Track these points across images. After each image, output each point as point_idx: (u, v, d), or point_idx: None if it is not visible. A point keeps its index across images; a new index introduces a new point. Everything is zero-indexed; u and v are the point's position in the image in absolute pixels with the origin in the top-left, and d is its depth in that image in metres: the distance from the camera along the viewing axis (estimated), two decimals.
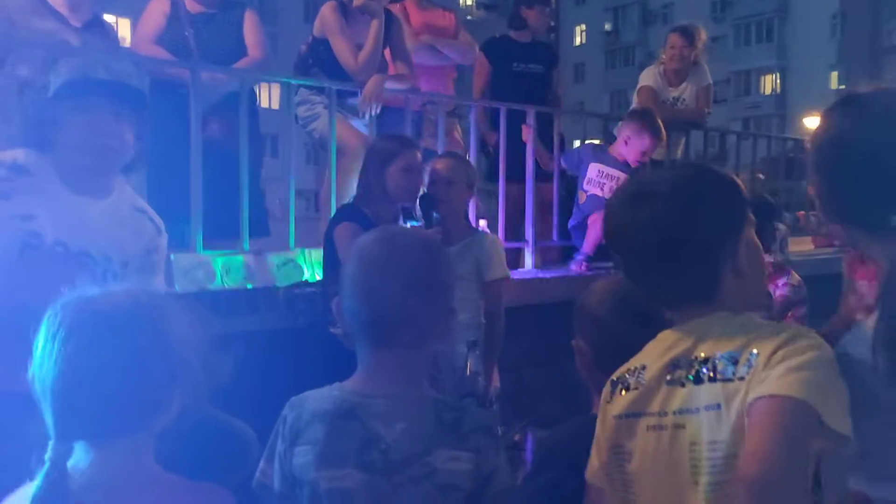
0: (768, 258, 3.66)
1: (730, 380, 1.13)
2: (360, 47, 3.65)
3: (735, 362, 1.14)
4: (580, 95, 42.17)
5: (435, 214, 3.09)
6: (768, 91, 42.04)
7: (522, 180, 4.35)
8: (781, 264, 3.72)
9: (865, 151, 1.17)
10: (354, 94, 3.66)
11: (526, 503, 1.75)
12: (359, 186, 3.09)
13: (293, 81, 3.56)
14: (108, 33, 3.41)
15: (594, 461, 1.31)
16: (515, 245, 4.42)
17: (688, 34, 4.97)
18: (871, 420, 1.08)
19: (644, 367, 1.26)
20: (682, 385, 1.18)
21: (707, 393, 1.15)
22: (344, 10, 3.71)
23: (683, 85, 5.00)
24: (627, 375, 1.28)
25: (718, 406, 1.13)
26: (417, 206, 3.10)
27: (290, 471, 1.33)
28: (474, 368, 2.55)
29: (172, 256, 3.04)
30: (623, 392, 1.26)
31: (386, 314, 1.32)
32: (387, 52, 3.83)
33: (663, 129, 4.15)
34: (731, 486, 1.08)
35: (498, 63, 4.78)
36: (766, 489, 0.99)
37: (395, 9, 4.07)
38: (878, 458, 1.08)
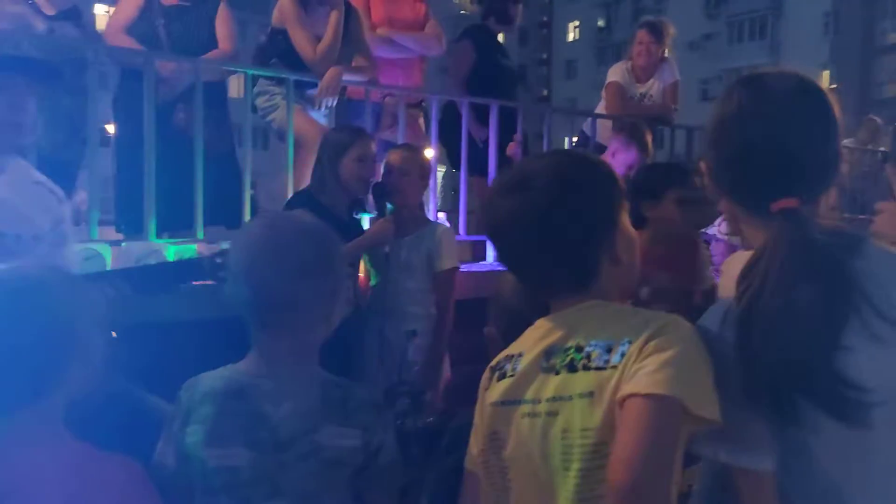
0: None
1: (602, 368, 1.15)
2: (319, 38, 3.68)
3: (608, 350, 1.16)
4: (572, 92, 42.17)
5: (388, 205, 3.12)
6: None
7: (486, 174, 4.39)
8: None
9: (760, 131, 1.19)
10: (314, 85, 3.69)
11: (435, 483, 1.80)
12: (313, 176, 3.12)
13: (251, 72, 3.58)
14: (85, 25, 3.47)
15: (473, 449, 1.32)
16: (479, 238, 4.45)
17: (655, 30, 4.99)
18: (728, 392, 1.11)
19: (520, 355, 1.26)
20: (557, 373, 1.19)
21: (580, 381, 1.16)
22: (303, 0, 3.74)
23: (651, 81, 5.02)
24: (504, 363, 1.28)
25: (591, 394, 1.14)
26: (371, 196, 3.14)
27: (182, 449, 1.37)
28: (411, 357, 2.59)
29: (124, 244, 3.08)
30: (500, 379, 1.26)
31: (270, 299, 1.36)
32: None
33: (651, 144, 4.15)
34: (600, 473, 1.10)
35: (484, 54, 4.77)
36: (635, 495, 1.02)
37: (357, 0, 4.09)
38: (734, 429, 1.11)
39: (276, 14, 3.79)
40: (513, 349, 1.29)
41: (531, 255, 1.27)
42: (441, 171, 6.77)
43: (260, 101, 3.77)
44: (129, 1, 3.58)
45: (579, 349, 1.18)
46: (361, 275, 3.27)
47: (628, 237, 1.29)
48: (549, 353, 1.22)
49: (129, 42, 3.48)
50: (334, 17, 3.67)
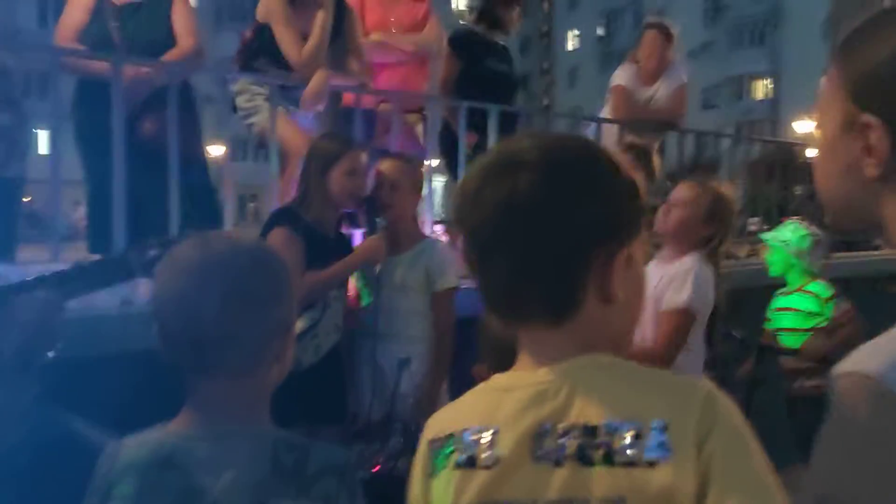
0: None
1: (633, 464, 0.84)
2: (306, 38, 3.41)
3: (637, 437, 0.84)
4: (574, 100, 42.08)
5: (379, 220, 2.86)
6: (761, 96, 42.03)
7: None
8: None
9: None
10: (300, 88, 3.42)
11: None
12: (297, 189, 2.86)
13: (229, 75, 3.32)
14: None
15: None
16: None
17: (665, 31, 4.76)
18: None
19: (495, 432, 0.91)
20: (558, 464, 0.87)
21: (602, 480, 0.85)
22: None
23: (657, 84, 4.77)
24: (469, 443, 0.92)
25: (622, 500, 0.84)
26: (362, 212, 2.88)
27: None
28: (404, 390, 2.33)
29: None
30: (464, 466, 0.92)
31: (203, 333, 1.10)
32: None
33: (657, 172, 3.90)
34: None
35: (472, 60, 4.51)
36: None
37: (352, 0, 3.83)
38: None
39: (261, 9, 3.49)
40: (472, 418, 0.94)
41: (502, 259, 0.92)
42: (443, 180, 6.53)
43: (240, 101, 3.48)
44: (76, 4, 3.27)
45: (590, 431, 0.86)
46: (351, 294, 3.01)
47: (636, 273, 0.96)
48: (540, 434, 0.89)
49: (78, 47, 3.20)
50: (320, 17, 3.40)
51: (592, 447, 0.85)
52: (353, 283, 3.02)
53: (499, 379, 0.97)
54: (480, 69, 4.48)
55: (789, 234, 3.62)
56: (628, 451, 0.84)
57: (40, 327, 1.67)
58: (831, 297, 3.57)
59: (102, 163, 2.98)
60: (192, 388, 1.15)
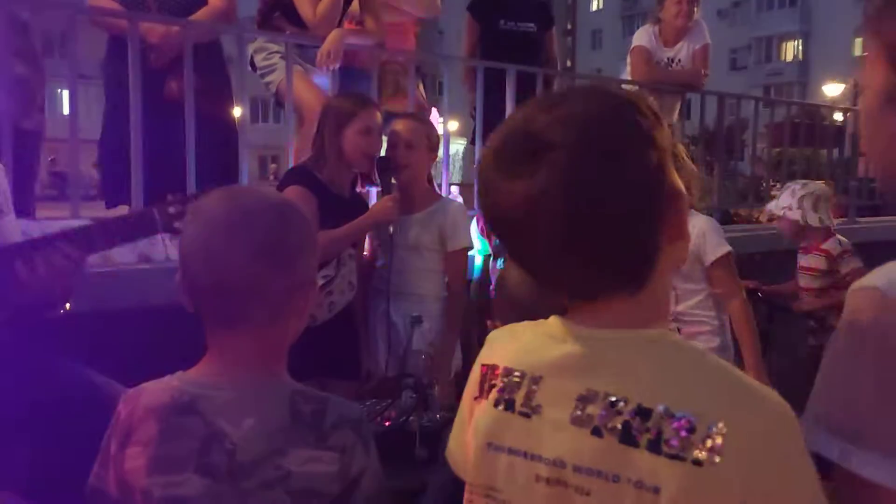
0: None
1: (680, 458, 0.79)
2: None
3: (691, 430, 0.79)
4: (597, 62, 41.49)
5: (393, 180, 2.88)
6: (790, 58, 41.16)
7: None
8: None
9: None
10: (317, 45, 3.41)
11: (441, 488, 1.58)
12: (312, 148, 2.87)
13: (246, 34, 3.31)
14: None
15: (458, 456, 0.98)
16: None
17: None
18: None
19: (537, 380, 0.88)
20: (597, 433, 0.83)
21: (641, 463, 0.81)
22: None
23: (680, 45, 4.69)
24: (511, 381, 0.90)
25: (656, 490, 0.80)
26: (375, 171, 2.89)
27: (123, 476, 1.14)
28: (416, 346, 2.36)
29: None
30: (504, 406, 0.89)
31: (229, 286, 1.11)
32: None
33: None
34: None
35: (485, 20, 4.50)
36: None
37: None
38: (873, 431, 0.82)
39: None
40: (522, 358, 0.91)
41: (557, 253, 0.85)
42: (462, 144, 6.49)
43: (258, 59, 3.48)
44: None
45: (641, 411, 0.82)
46: (366, 253, 3.04)
47: (683, 196, 0.88)
48: (586, 397, 0.85)
49: (112, 5, 3.22)
50: None
51: (641, 429, 0.81)
52: (367, 242, 3.05)
53: (554, 324, 0.92)
54: (498, 29, 4.45)
55: (790, 198, 3.60)
56: (678, 444, 0.80)
57: (60, 281, 1.70)
58: (841, 255, 3.55)
59: (124, 119, 3.00)
60: (213, 338, 1.17)
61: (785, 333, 3.73)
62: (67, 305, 1.77)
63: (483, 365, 0.95)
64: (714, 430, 0.79)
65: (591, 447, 0.83)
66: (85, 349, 1.88)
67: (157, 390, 1.16)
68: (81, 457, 1.23)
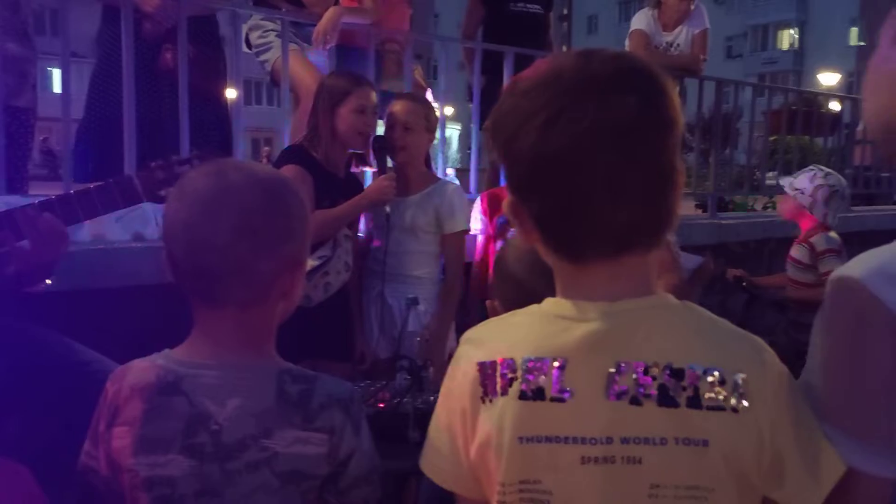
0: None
1: (720, 408, 0.84)
2: None
3: (722, 382, 0.85)
4: (593, 46, 41.32)
5: (389, 160, 2.85)
6: (786, 46, 41.14)
7: None
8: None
9: None
10: (313, 24, 3.37)
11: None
12: (307, 127, 2.84)
13: (240, 10, 3.26)
14: None
15: (449, 467, 0.96)
16: None
17: None
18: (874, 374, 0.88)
19: (563, 364, 0.87)
20: (635, 402, 0.85)
21: (684, 421, 0.84)
22: None
23: (678, 29, 4.66)
24: (530, 370, 0.88)
25: (705, 443, 0.84)
26: (371, 151, 2.86)
27: (110, 454, 1.12)
28: (411, 328, 2.35)
29: None
30: (530, 397, 0.87)
31: (212, 264, 1.08)
32: None
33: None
34: None
35: (492, 2, 4.44)
36: None
37: None
38: (863, 422, 0.88)
39: None
40: (534, 346, 0.89)
41: (598, 193, 0.84)
42: (457, 128, 6.45)
43: (253, 37, 3.44)
44: None
45: (674, 372, 0.85)
46: (361, 235, 3.02)
47: (681, 188, 0.90)
48: (617, 371, 0.86)
49: None
50: None
51: (677, 388, 0.85)
52: (363, 223, 3.03)
53: (558, 306, 0.91)
54: (504, 11, 4.40)
55: (807, 181, 3.55)
56: (716, 395, 0.84)
57: (44, 252, 1.66)
58: (823, 252, 3.47)
59: (117, 92, 2.96)
60: (199, 316, 1.14)
61: (760, 323, 3.73)
62: (48, 280, 1.73)
63: (478, 363, 0.91)
64: (739, 379, 0.85)
65: (633, 417, 0.85)
66: (77, 327, 1.85)
67: (142, 369, 1.14)
68: (72, 433, 1.21)
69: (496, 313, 1.39)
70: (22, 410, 1.58)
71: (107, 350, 1.78)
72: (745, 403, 0.85)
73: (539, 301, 0.94)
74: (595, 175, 0.83)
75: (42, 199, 1.72)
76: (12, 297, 1.69)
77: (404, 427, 2.03)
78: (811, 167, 3.68)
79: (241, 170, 1.15)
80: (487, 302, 1.47)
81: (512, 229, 1.02)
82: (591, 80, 0.85)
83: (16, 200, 2.08)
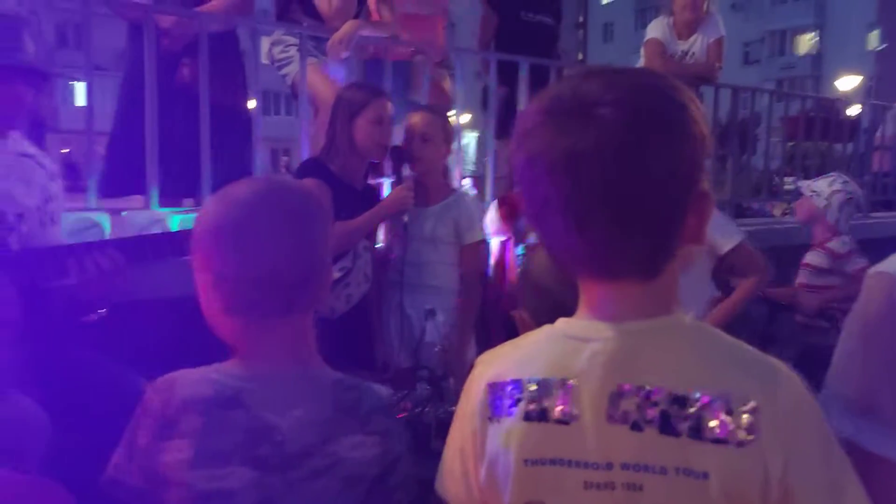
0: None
1: (722, 441, 0.80)
2: None
3: (728, 412, 0.81)
4: (609, 56, 41.23)
5: (406, 171, 2.87)
6: (804, 51, 40.86)
7: None
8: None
9: None
10: None
11: None
12: (325, 139, 2.87)
13: (260, 25, 3.31)
14: None
15: (462, 491, 0.95)
16: None
17: None
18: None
19: (570, 386, 0.86)
20: (636, 427, 0.83)
21: (684, 452, 0.81)
22: None
23: (693, 37, 4.67)
24: (537, 391, 0.87)
25: (705, 475, 0.80)
26: (388, 162, 2.89)
27: (154, 468, 1.12)
28: (429, 339, 2.37)
29: (125, 213, 2.87)
30: (534, 418, 0.87)
31: (266, 273, 1.11)
32: None
33: None
34: None
35: (505, 12, 4.48)
36: None
37: None
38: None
39: None
40: (543, 367, 0.88)
41: (589, 217, 0.82)
42: (473, 136, 6.47)
43: (275, 52, 3.49)
44: None
45: (677, 400, 0.82)
46: (381, 245, 3.04)
47: (710, 200, 0.87)
48: (619, 394, 0.84)
49: None
50: None
51: (680, 417, 0.82)
52: (382, 234, 3.05)
53: (569, 325, 0.91)
54: (516, 21, 4.43)
55: (825, 185, 3.56)
56: (719, 428, 0.81)
57: (103, 285, 1.72)
58: (848, 254, 3.50)
59: (137, 107, 3.00)
60: (247, 329, 1.15)
61: (787, 335, 3.71)
62: (103, 311, 1.79)
63: (488, 384, 0.92)
64: (747, 408, 0.80)
65: (633, 443, 0.83)
66: (101, 341, 1.89)
67: (194, 382, 1.14)
68: (104, 447, 1.23)
69: (525, 324, 1.40)
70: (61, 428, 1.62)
71: (129, 363, 1.83)
72: (750, 435, 0.80)
73: (568, 312, 0.93)
74: (577, 194, 0.82)
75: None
76: (68, 324, 1.75)
77: (425, 436, 2.04)
78: (832, 173, 3.71)
79: (280, 181, 1.20)
80: (515, 313, 1.48)
81: (532, 235, 1.04)
82: (582, 102, 0.83)
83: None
